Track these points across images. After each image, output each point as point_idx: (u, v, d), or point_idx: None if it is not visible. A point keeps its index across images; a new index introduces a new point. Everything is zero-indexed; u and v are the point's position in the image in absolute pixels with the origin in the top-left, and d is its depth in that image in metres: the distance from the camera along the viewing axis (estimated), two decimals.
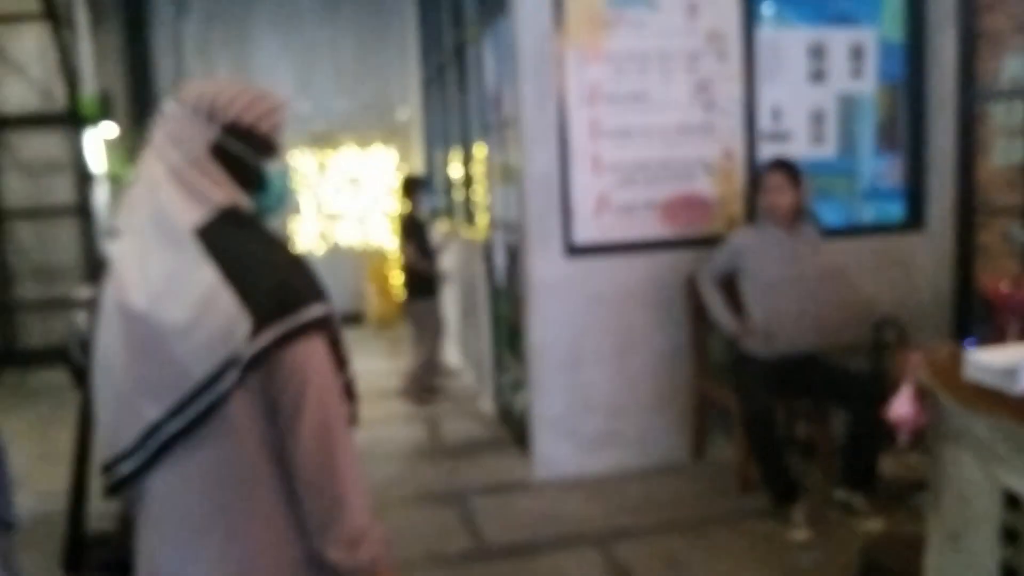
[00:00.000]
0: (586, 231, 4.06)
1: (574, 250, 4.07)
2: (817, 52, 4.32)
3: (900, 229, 4.49)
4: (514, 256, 4.54)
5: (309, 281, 1.32)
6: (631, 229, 4.12)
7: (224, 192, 1.34)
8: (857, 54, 4.39)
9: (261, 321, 1.23)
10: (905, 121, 4.49)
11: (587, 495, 3.97)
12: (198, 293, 1.23)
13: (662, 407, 4.24)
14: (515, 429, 4.74)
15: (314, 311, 1.28)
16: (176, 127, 1.35)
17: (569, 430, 4.16)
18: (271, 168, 1.42)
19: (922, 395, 2.06)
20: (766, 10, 4.25)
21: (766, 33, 4.23)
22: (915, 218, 4.49)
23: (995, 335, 2.33)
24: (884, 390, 3.73)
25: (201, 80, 1.42)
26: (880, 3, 4.44)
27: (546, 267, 4.04)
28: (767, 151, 4.18)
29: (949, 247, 4.42)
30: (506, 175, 4.82)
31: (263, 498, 1.31)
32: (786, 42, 4.28)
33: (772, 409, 3.64)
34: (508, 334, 4.99)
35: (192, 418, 1.25)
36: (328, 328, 1.32)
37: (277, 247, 1.35)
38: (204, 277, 1.24)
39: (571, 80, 4.00)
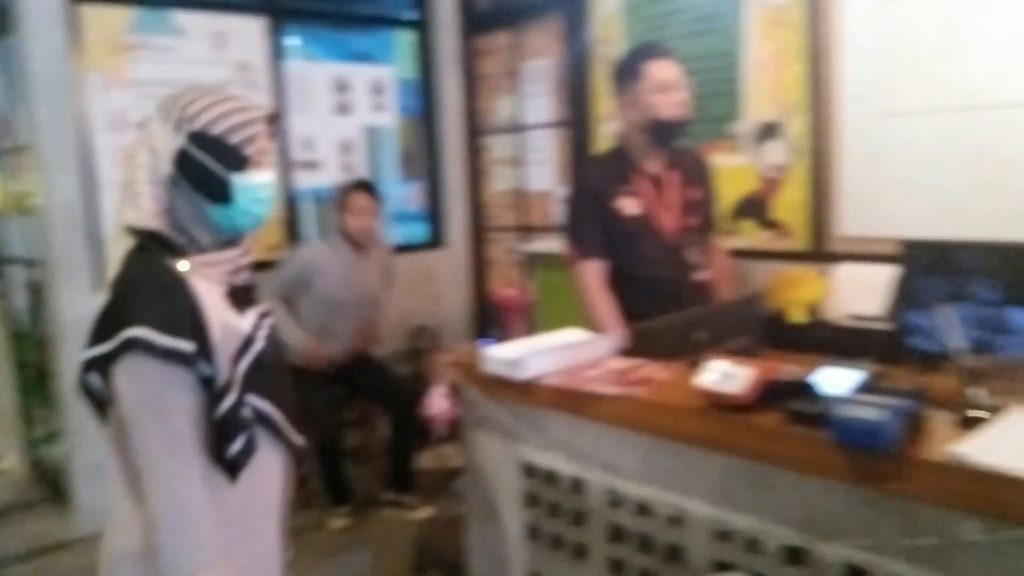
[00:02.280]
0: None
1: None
2: (342, 86, 4.63)
3: (425, 247, 5.00)
4: (37, 294, 4.13)
5: (144, 303, 1.31)
6: None
7: (145, 215, 1.38)
8: (378, 89, 4.79)
9: (91, 340, 1.34)
10: (423, 151, 5.01)
11: None
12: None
13: None
14: (51, 485, 4.31)
15: (129, 332, 1.27)
16: (150, 134, 1.40)
17: None
18: (239, 182, 1.39)
19: (454, 391, 2.37)
20: (292, 44, 4.44)
21: (293, 67, 4.41)
22: (437, 237, 5.04)
23: (505, 333, 2.76)
24: (420, 393, 4.15)
25: (183, 88, 1.43)
26: (394, 43, 4.91)
27: (76, 304, 3.76)
28: (301, 179, 4.38)
29: (466, 261, 5.04)
30: (21, 206, 4.36)
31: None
32: (313, 76, 4.51)
33: (339, 433, 3.87)
34: (36, 381, 4.51)
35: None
36: (155, 350, 1.28)
37: (142, 271, 1.37)
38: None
39: (94, 105, 3.79)
